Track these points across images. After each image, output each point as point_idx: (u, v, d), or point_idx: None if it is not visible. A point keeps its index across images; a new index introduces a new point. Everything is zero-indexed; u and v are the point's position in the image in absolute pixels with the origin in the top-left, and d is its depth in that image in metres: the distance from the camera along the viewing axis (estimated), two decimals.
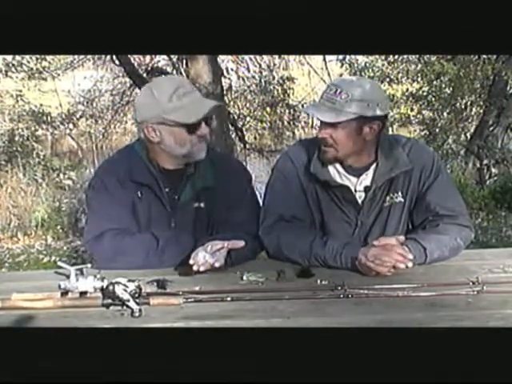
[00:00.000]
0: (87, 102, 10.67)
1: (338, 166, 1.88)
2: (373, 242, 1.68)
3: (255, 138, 10.19)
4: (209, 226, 1.91)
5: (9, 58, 8.56)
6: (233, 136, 8.30)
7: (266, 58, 9.74)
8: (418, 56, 8.37)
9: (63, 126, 10.18)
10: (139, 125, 1.84)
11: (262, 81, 9.83)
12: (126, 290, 1.41)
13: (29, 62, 8.89)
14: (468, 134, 8.66)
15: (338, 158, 1.84)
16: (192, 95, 1.80)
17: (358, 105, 1.73)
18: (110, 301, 1.42)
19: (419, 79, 8.88)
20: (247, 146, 9.34)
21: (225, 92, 7.72)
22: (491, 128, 7.96)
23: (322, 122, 1.80)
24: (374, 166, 1.87)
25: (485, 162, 7.66)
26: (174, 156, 1.85)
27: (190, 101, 1.78)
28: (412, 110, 9.09)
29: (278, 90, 9.85)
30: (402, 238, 1.71)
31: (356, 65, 9.18)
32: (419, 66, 8.71)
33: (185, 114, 1.76)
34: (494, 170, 7.65)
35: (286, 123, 10.13)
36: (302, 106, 9.96)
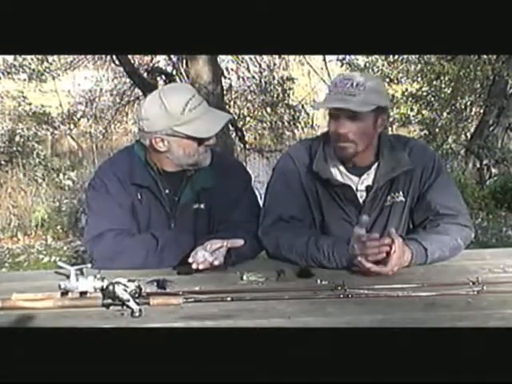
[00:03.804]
0: (87, 102, 10.67)
1: (339, 165, 1.88)
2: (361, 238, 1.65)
3: (255, 138, 10.18)
4: (209, 227, 1.91)
5: (10, 58, 8.58)
6: (233, 136, 8.29)
7: (265, 57, 9.73)
8: (417, 56, 8.38)
9: (63, 126, 10.19)
10: (146, 134, 1.81)
11: (262, 81, 9.83)
12: (126, 290, 1.41)
13: (30, 63, 8.91)
14: (468, 134, 8.67)
15: (357, 152, 1.82)
16: (202, 107, 1.78)
17: (376, 95, 1.75)
18: (110, 301, 1.42)
19: (419, 79, 8.90)
20: (247, 145, 9.33)
21: (225, 92, 7.72)
22: (491, 128, 7.96)
23: (338, 117, 1.77)
24: (375, 165, 1.87)
25: (485, 162, 7.67)
26: (180, 165, 1.85)
27: (201, 113, 1.77)
28: (412, 110, 9.10)
29: (278, 90, 9.85)
30: (392, 230, 1.68)
31: (356, 65, 9.19)
32: (419, 66, 8.72)
33: (199, 127, 1.76)
34: (494, 170, 7.66)
35: (286, 123, 10.12)
36: (302, 106, 9.97)
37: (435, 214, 1.85)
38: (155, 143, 1.80)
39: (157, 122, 1.77)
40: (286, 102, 9.93)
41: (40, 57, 8.84)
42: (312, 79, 10.51)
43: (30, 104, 8.97)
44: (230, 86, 9.51)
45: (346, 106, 1.73)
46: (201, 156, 1.83)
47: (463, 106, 8.78)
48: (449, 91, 8.46)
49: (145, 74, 8.28)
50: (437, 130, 8.60)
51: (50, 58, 9.24)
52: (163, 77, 8.64)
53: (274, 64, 10.01)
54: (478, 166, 7.68)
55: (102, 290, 1.44)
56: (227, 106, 8.28)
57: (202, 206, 1.91)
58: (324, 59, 9.48)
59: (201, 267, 1.65)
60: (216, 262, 1.67)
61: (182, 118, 1.74)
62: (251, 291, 1.52)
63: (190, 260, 1.67)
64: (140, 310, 1.38)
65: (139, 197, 1.87)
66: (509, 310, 1.36)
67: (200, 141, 1.80)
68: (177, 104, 1.74)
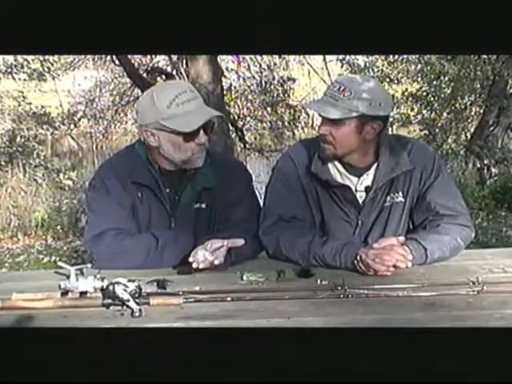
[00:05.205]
0: (87, 102, 10.68)
1: (338, 165, 1.88)
2: (373, 244, 1.68)
3: (255, 138, 10.19)
4: (209, 227, 1.92)
5: (10, 58, 8.59)
6: (233, 136, 8.29)
7: (266, 57, 9.74)
8: (417, 56, 8.39)
9: (64, 126, 10.20)
10: (140, 128, 1.85)
11: (263, 81, 9.83)
12: (126, 290, 1.41)
13: (29, 62, 8.92)
14: (468, 134, 8.68)
15: (336, 155, 1.83)
16: (193, 103, 1.78)
17: (361, 103, 1.73)
18: (110, 301, 1.42)
19: (419, 79, 8.91)
20: (247, 146, 9.34)
21: (225, 92, 7.72)
22: (491, 128, 7.97)
23: (323, 118, 1.80)
24: (374, 165, 1.87)
25: (485, 161, 7.67)
26: (173, 162, 1.85)
27: (189, 109, 1.77)
28: (412, 109, 9.11)
29: (278, 90, 9.85)
30: (402, 238, 1.72)
31: (356, 65, 9.21)
32: (419, 66, 8.73)
33: (181, 122, 1.76)
34: (494, 170, 7.65)
35: (286, 123, 10.13)
36: (303, 106, 9.97)
37: (435, 214, 1.85)
38: (146, 137, 1.82)
39: (145, 115, 1.80)
40: (286, 101, 9.93)
41: (41, 57, 8.85)
42: (312, 79, 10.52)
43: (29, 104, 8.97)
44: (230, 85, 9.52)
45: (320, 111, 1.78)
46: (194, 155, 1.82)
47: (463, 106, 8.79)
48: (449, 91, 8.46)
49: (145, 74, 8.27)
50: (437, 130, 8.60)
51: (51, 58, 9.24)
52: (163, 77, 8.64)
53: (274, 64, 10.01)
54: (478, 166, 7.68)
55: (102, 290, 1.44)
56: (227, 106, 8.28)
57: (203, 205, 1.91)
58: (324, 59, 9.48)
59: (201, 267, 1.65)
60: (216, 262, 1.67)
61: (168, 112, 1.75)
62: (251, 291, 1.52)
63: (190, 259, 1.67)
64: (140, 310, 1.38)
65: (140, 195, 1.88)
66: (509, 310, 1.36)
67: (186, 137, 1.79)
68: (165, 98, 1.76)
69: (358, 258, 1.65)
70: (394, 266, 1.62)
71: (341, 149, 1.81)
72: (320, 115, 1.81)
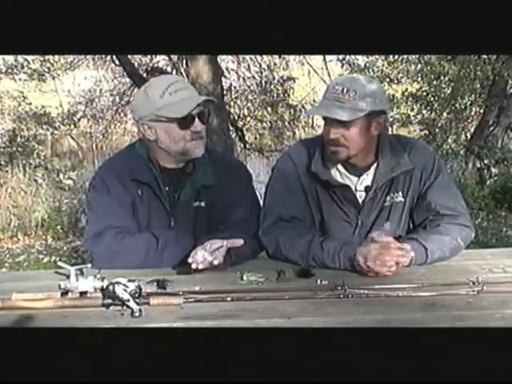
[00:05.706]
0: (87, 102, 10.69)
1: (338, 165, 1.88)
2: (370, 236, 1.67)
3: (255, 138, 10.20)
4: (209, 225, 1.91)
5: (11, 58, 8.60)
6: (233, 136, 8.30)
7: (266, 57, 9.74)
8: (417, 56, 8.40)
9: (64, 127, 10.21)
10: (137, 123, 1.87)
11: (263, 81, 9.83)
12: (125, 290, 1.41)
13: (29, 62, 8.93)
14: (468, 134, 8.69)
15: (349, 156, 1.83)
16: (184, 91, 1.81)
17: (367, 101, 1.74)
18: (110, 301, 1.42)
19: (419, 79, 8.92)
20: (247, 145, 9.35)
21: (225, 92, 7.72)
22: (491, 128, 7.97)
23: (330, 122, 1.78)
24: (374, 165, 1.87)
25: (485, 161, 7.67)
26: (171, 154, 1.86)
27: (181, 97, 1.80)
28: (412, 110, 9.12)
29: (278, 90, 9.86)
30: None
31: (356, 65, 9.22)
32: (419, 66, 8.74)
33: (174, 109, 1.78)
34: (494, 170, 7.66)
35: (286, 123, 10.14)
36: (303, 106, 9.98)
37: (435, 214, 1.85)
38: (144, 131, 1.84)
39: (141, 109, 1.83)
40: (286, 101, 9.94)
41: (41, 57, 8.86)
42: (312, 79, 10.52)
43: (29, 104, 8.98)
44: (230, 85, 9.52)
45: (333, 115, 1.75)
46: (189, 144, 1.83)
47: (463, 106, 8.79)
48: (449, 91, 8.47)
49: (145, 74, 8.28)
50: (437, 130, 8.61)
51: (51, 58, 9.26)
52: None
53: (274, 64, 10.01)
54: (478, 166, 7.68)
55: (102, 290, 1.44)
56: (227, 106, 8.28)
57: (202, 203, 1.91)
58: (324, 59, 9.49)
59: (200, 267, 1.65)
60: (216, 262, 1.67)
61: (161, 102, 1.78)
62: (251, 291, 1.52)
63: (190, 260, 1.66)
64: (140, 310, 1.38)
65: (140, 193, 1.88)
66: (509, 310, 1.36)
67: (182, 125, 1.80)
68: (157, 89, 1.80)
69: (357, 260, 1.64)
70: (397, 264, 1.61)
71: (354, 149, 1.80)
72: (329, 119, 1.78)
